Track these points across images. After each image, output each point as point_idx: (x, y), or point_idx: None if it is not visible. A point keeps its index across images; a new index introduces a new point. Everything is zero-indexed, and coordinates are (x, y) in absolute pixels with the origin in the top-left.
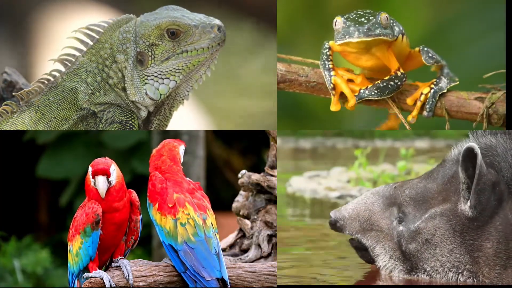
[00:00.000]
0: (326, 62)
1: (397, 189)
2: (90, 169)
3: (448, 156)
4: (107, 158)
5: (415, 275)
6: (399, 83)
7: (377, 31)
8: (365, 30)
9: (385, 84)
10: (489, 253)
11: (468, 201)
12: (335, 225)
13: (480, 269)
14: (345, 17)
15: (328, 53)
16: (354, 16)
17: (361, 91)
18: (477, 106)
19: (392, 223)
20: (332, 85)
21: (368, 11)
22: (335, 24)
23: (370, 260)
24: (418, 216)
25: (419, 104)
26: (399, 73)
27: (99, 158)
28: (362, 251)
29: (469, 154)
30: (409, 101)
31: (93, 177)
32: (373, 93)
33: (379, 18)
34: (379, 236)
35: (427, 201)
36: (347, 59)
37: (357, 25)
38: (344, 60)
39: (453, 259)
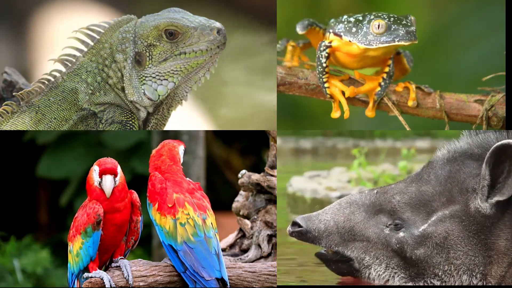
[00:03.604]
0: (321, 75)
1: (380, 195)
2: (96, 168)
3: (435, 157)
4: (111, 158)
5: (422, 281)
6: (393, 66)
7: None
8: (414, 33)
9: (391, 73)
10: (499, 250)
11: (490, 198)
12: (305, 236)
13: (491, 269)
14: (386, 19)
15: (324, 64)
16: (392, 18)
17: (378, 92)
18: (477, 108)
19: (383, 230)
20: (328, 95)
21: (393, 14)
22: (378, 28)
23: (350, 271)
24: (420, 221)
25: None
26: (390, 61)
27: (104, 158)
28: (338, 263)
29: (499, 152)
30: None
31: (100, 176)
32: (387, 84)
33: (412, 21)
34: (366, 246)
35: (426, 204)
36: (341, 60)
37: (406, 28)
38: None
39: (468, 261)
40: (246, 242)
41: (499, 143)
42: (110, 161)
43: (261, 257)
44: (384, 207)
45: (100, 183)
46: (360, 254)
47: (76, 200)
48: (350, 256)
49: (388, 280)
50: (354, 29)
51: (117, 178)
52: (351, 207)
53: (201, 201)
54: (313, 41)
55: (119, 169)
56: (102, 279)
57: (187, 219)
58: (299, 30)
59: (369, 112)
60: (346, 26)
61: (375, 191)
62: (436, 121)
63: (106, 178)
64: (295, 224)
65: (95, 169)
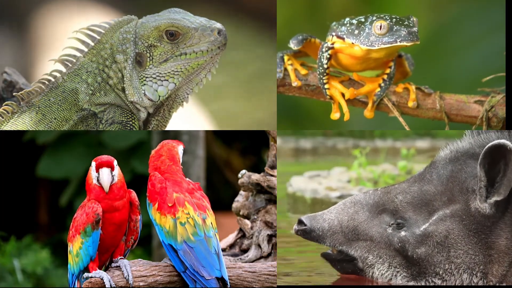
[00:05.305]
0: (322, 76)
1: (383, 195)
2: (93, 163)
3: (438, 157)
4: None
5: (423, 280)
6: (394, 69)
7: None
8: (416, 34)
9: (392, 75)
10: (500, 249)
11: (489, 199)
12: (309, 234)
13: (492, 267)
14: (387, 20)
15: (325, 65)
16: (394, 19)
17: (377, 93)
18: (477, 109)
19: (386, 230)
20: (328, 96)
21: (395, 15)
22: (380, 28)
23: (354, 271)
24: (421, 220)
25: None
26: (392, 63)
27: (101, 155)
28: (343, 263)
29: (492, 152)
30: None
31: (97, 171)
32: (387, 85)
33: (414, 21)
34: (369, 246)
35: (428, 204)
36: (343, 63)
37: (408, 28)
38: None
39: (468, 260)
40: (246, 242)
41: (491, 143)
42: (106, 156)
43: (261, 257)
44: (387, 207)
45: (98, 179)
46: (364, 253)
47: (76, 200)
48: (354, 255)
49: (390, 279)
50: (356, 31)
51: (115, 173)
52: (355, 206)
53: (201, 201)
54: (311, 53)
55: (115, 164)
56: (102, 279)
57: (187, 218)
58: (294, 46)
59: (368, 112)
60: (349, 28)
61: (379, 191)
62: (436, 121)
63: (102, 171)
64: (300, 222)
65: (92, 166)
